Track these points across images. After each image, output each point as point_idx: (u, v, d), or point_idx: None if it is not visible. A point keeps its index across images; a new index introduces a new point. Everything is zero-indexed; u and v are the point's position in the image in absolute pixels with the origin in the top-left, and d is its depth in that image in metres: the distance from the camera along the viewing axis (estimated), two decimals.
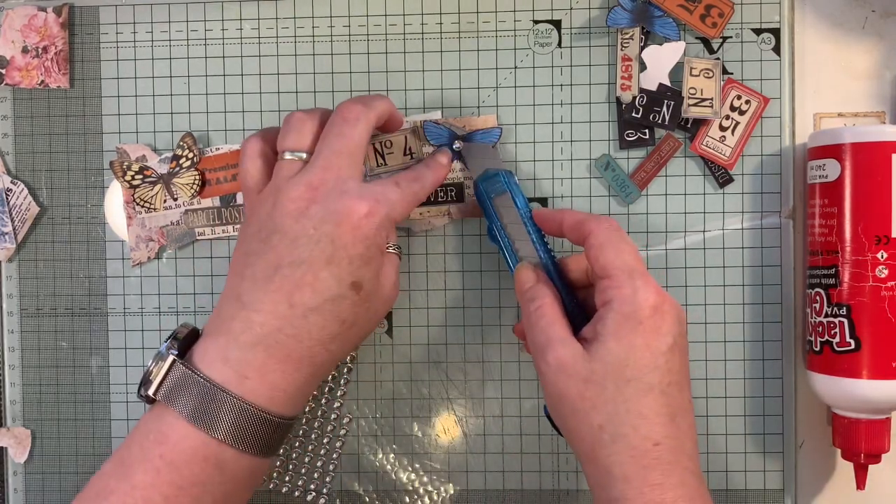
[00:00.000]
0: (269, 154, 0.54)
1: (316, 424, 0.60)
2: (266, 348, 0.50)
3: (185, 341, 0.52)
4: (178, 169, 0.60)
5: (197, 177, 0.60)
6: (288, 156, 0.52)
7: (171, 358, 0.50)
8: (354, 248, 0.50)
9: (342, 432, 0.61)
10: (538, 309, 0.51)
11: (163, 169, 0.60)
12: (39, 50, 0.61)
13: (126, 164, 0.60)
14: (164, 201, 0.60)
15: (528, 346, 0.53)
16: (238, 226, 0.60)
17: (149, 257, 0.61)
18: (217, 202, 0.60)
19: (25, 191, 0.62)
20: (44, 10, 0.61)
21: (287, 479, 0.61)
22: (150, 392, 0.50)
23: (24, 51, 0.61)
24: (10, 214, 0.61)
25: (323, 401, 0.61)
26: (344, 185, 0.50)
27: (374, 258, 0.51)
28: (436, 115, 0.60)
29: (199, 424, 0.49)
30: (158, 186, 0.60)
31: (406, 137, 0.60)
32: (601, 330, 0.48)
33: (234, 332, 0.50)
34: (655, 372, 0.48)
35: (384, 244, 0.52)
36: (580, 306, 0.53)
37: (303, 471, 0.61)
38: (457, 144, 0.59)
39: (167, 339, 0.52)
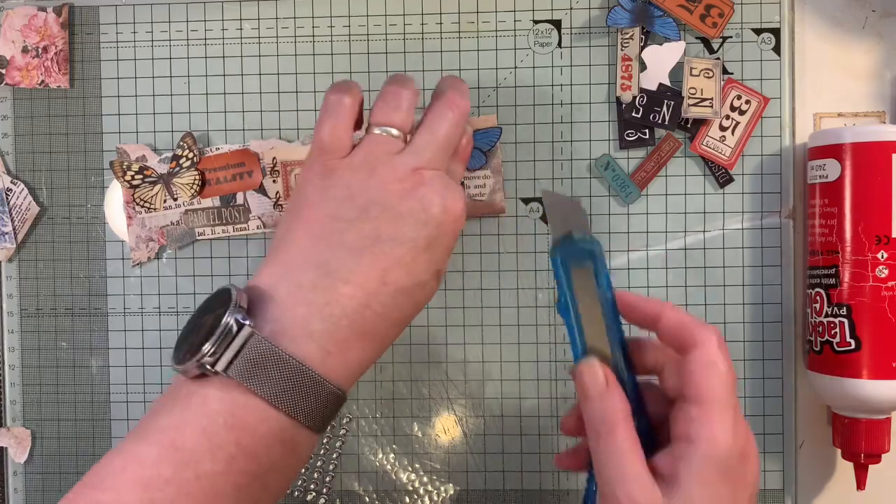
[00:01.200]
0: (356, 120, 0.51)
1: None
2: (351, 323, 0.46)
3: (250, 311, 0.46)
4: (178, 169, 0.60)
5: (197, 177, 0.60)
6: (379, 131, 0.49)
7: (248, 330, 0.44)
8: (451, 239, 0.48)
9: (342, 432, 0.61)
10: (611, 434, 0.43)
11: (163, 169, 0.60)
12: (39, 50, 0.61)
13: (126, 164, 0.60)
14: (164, 201, 0.60)
15: (583, 449, 0.47)
16: (238, 225, 0.60)
17: (149, 257, 0.61)
18: (217, 202, 0.60)
19: (25, 191, 0.62)
20: (44, 10, 0.61)
21: None
22: (220, 368, 0.44)
23: (24, 51, 0.61)
24: (10, 214, 0.62)
25: None
26: (447, 179, 0.49)
27: (451, 249, 0.49)
28: None
29: (282, 407, 0.44)
30: (158, 186, 0.60)
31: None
32: (684, 472, 0.42)
33: (317, 302, 0.46)
34: None
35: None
36: (644, 403, 0.46)
37: (303, 471, 0.61)
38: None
39: (228, 307, 0.45)
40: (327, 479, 0.61)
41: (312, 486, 0.60)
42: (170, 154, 0.60)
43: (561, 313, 0.46)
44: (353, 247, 0.47)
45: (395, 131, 0.49)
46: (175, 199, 0.60)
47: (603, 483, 0.43)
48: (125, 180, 0.60)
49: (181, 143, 0.60)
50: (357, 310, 0.46)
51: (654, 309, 0.45)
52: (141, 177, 0.60)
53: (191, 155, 0.60)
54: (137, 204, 0.60)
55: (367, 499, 0.61)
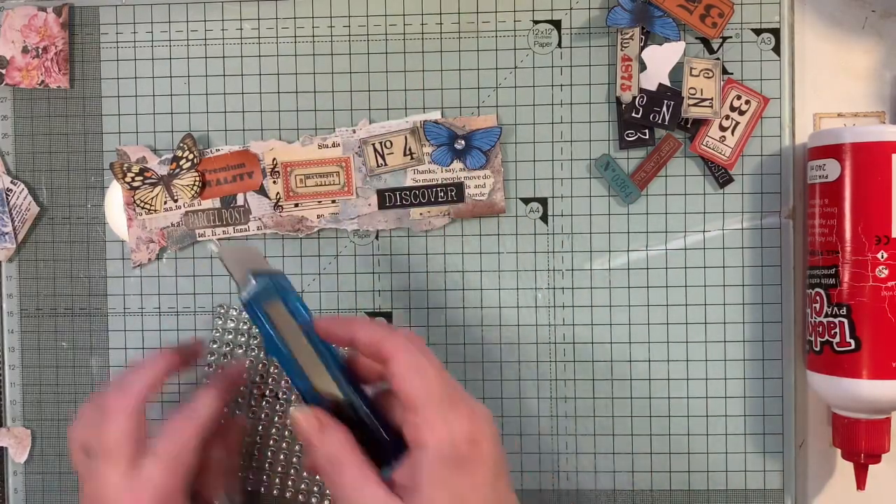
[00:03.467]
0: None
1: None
2: None
3: None
4: (178, 170, 0.60)
5: (197, 178, 0.60)
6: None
7: None
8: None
9: None
10: (339, 471, 0.45)
11: (163, 170, 0.60)
12: (39, 50, 0.61)
13: (126, 165, 0.60)
14: (165, 203, 0.60)
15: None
16: (239, 227, 0.60)
17: (149, 258, 0.61)
18: (217, 203, 0.60)
19: (25, 191, 0.62)
20: (44, 10, 0.61)
21: (289, 483, 0.61)
22: None
23: (24, 51, 0.61)
24: (10, 214, 0.61)
25: None
26: (103, 489, 0.49)
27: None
28: (436, 115, 0.60)
29: None
30: (159, 188, 0.60)
31: (406, 138, 0.60)
32: (418, 478, 0.43)
33: None
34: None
35: None
36: (380, 415, 0.48)
37: (304, 474, 0.61)
38: (458, 144, 0.59)
39: None
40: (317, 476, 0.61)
41: (316, 490, 0.61)
42: (170, 155, 0.60)
43: (272, 354, 0.48)
44: None
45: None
46: (175, 201, 0.60)
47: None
48: (125, 182, 0.60)
49: (181, 145, 0.60)
50: None
51: (347, 331, 0.47)
52: (141, 178, 0.60)
53: (191, 156, 0.60)
54: (138, 205, 0.60)
55: None
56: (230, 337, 0.61)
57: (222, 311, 0.61)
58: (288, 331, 0.47)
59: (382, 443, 0.46)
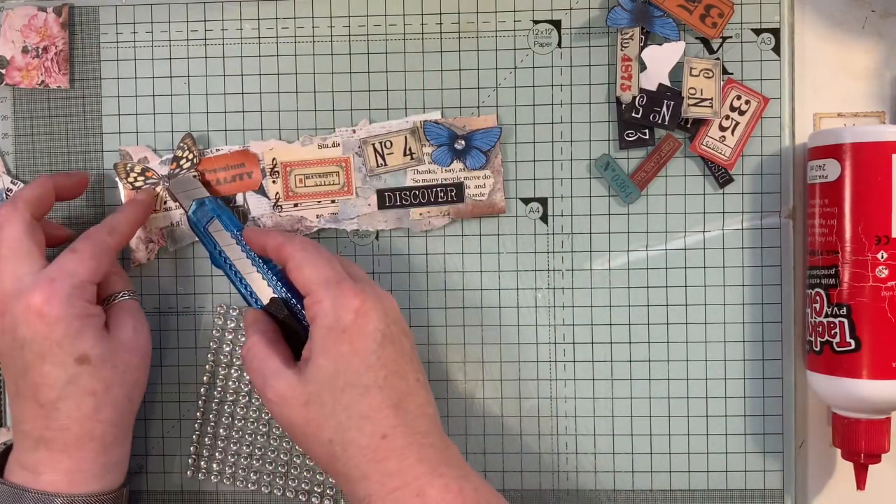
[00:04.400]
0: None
1: None
2: (45, 445, 0.52)
3: (2, 457, 0.55)
4: (178, 170, 0.60)
5: (197, 178, 0.60)
6: None
7: None
8: (54, 333, 0.51)
9: None
10: (249, 350, 0.52)
11: (164, 170, 0.60)
12: (39, 50, 0.61)
13: (129, 165, 0.60)
14: (165, 202, 0.60)
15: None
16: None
17: (149, 258, 0.61)
18: None
19: None
20: (44, 10, 0.61)
21: (290, 483, 0.61)
22: None
23: (24, 51, 0.61)
24: None
25: None
26: (18, 282, 0.52)
27: (81, 329, 0.52)
28: (436, 116, 0.60)
29: None
30: (159, 188, 0.60)
31: (406, 138, 0.60)
32: (311, 349, 0.50)
33: (18, 443, 0.54)
34: (369, 372, 0.49)
35: (85, 312, 0.53)
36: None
37: (304, 474, 0.61)
38: (458, 144, 0.59)
39: None
40: (329, 479, 0.61)
41: (318, 490, 0.61)
42: (170, 155, 0.60)
43: (216, 265, 0.57)
44: (12, 392, 0.54)
45: None
46: (175, 200, 0.60)
47: (258, 392, 0.52)
48: (128, 182, 0.60)
49: (181, 145, 0.60)
50: (41, 435, 0.52)
51: (262, 238, 0.54)
52: (143, 178, 0.60)
53: (191, 156, 0.60)
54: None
55: None
56: (230, 337, 0.61)
57: (222, 311, 0.61)
58: (225, 242, 0.56)
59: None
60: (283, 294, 0.55)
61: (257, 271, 0.56)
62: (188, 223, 0.58)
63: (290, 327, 0.55)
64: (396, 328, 0.51)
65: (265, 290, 0.55)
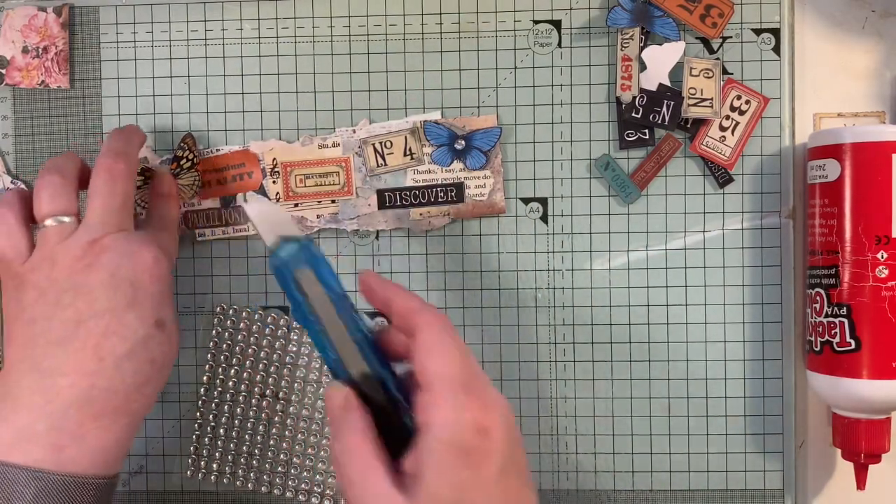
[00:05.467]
0: (27, 221, 0.52)
1: (314, 427, 0.60)
2: (79, 408, 0.48)
3: None
4: (178, 170, 0.60)
5: (197, 178, 0.60)
6: (51, 222, 0.51)
7: None
8: (153, 287, 0.51)
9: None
10: (347, 455, 0.44)
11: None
12: (39, 50, 0.61)
13: None
14: None
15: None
16: (239, 227, 0.60)
17: None
18: (217, 203, 0.60)
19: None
20: (44, 10, 0.61)
21: (290, 482, 0.61)
22: None
23: (25, 51, 0.61)
24: None
25: (319, 403, 0.61)
26: (128, 236, 0.51)
27: (169, 297, 0.52)
28: (435, 116, 0.60)
29: None
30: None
31: (406, 138, 0.60)
32: (422, 464, 0.42)
33: (35, 405, 0.47)
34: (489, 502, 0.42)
35: (172, 285, 0.53)
36: (408, 396, 0.45)
37: (304, 474, 0.61)
38: (458, 144, 0.59)
39: None
40: (329, 479, 0.61)
41: (318, 490, 0.61)
42: (170, 155, 0.60)
43: (300, 323, 0.46)
44: (59, 339, 0.48)
45: (64, 218, 0.51)
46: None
47: (351, 497, 0.43)
48: None
49: (181, 145, 0.60)
50: (82, 394, 0.48)
51: (386, 293, 0.46)
52: (142, 178, 0.60)
53: (191, 156, 0.60)
54: (139, 205, 0.60)
55: None
56: (230, 337, 0.61)
57: (221, 311, 0.61)
58: (318, 300, 0.45)
59: (407, 426, 0.44)
60: (380, 369, 0.46)
61: (350, 336, 0.45)
62: (270, 264, 0.46)
63: (379, 407, 0.46)
64: (516, 445, 0.44)
65: (356, 360, 0.46)
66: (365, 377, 0.45)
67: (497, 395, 0.44)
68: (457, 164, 0.59)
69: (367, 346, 0.45)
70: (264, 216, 0.47)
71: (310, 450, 0.61)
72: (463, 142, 0.59)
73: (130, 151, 0.54)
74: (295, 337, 0.60)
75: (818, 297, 0.56)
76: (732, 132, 0.59)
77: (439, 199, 0.60)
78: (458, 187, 0.60)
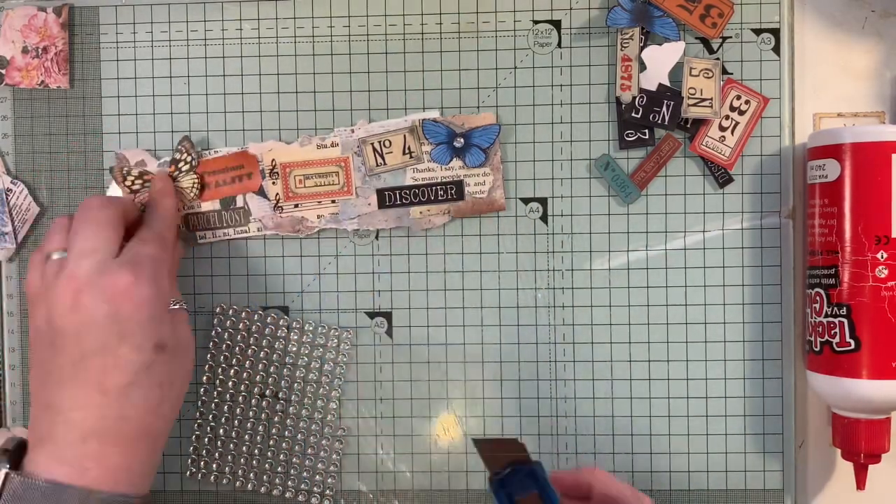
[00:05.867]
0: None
1: (314, 427, 0.60)
2: (98, 438, 0.50)
3: (16, 453, 0.51)
4: (177, 173, 0.59)
5: (196, 180, 0.60)
6: (55, 256, 0.53)
7: (2, 471, 0.49)
8: (140, 314, 0.51)
9: (339, 432, 0.61)
10: None
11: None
12: (39, 50, 0.61)
13: (126, 169, 0.60)
14: None
15: None
16: (239, 228, 0.60)
17: None
18: (217, 205, 0.60)
19: (25, 191, 0.62)
20: (44, 10, 0.61)
21: (290, 482, 0.61)
22: None
23: (24, 51, 0.61)
24: (10, 214, 0.62)
25: (319, 403, 0.61)
26: (102, 265, 0.51)
27: (162, 316, 0.52)
28: (434, 115, 0.60)
29: None
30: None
31: (405, 136, 0.60)
32: None
33: (58, 437, 0.50)
34: None
35: (167, 300, 0.53)
36: None
37: (304, 474, 0.61)
38: (457, 142, 0.59)
39: None
40: (329, 479, 0.61)
41: (317, 490, 0.61)
42: (169, 157, 0.60)
43: None
44: (61, 379, 0.50)
45: (55, 255, 0.52)
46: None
47: None
48: (125, 185, 0.60)
49: (179, 147, 0.60)
50: (96, 425, 0.50)
51: (584, 480, 0.49)
52: (141, 182, 0.60)
53: (189, 158, 0.60)
54: (138, 209, 0.60)
55: (368, 498, 0.61)
56: (230, 337, 0.61)
57: (221, 311, 0.61)
58: None
59: None
60: None
61: None
62: (489, 486, 0.48)
63: None
64: None
65: None
66: None
67: None
68: (456, 162, 0.59)
69: None
70: (489, 448, 0.49)
71: (310, 450, 0.61)
72: (462, 139, 0.59)
73: (120, 206, 0.55)
74: (295, 337, 0.60)
75: (818, 297, 0.56)
76: (732, 132, 0.58)
77: (439, 198, 0.60)
78: (458, 185, 0.60)
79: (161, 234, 0.55)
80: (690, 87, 0.58)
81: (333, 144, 0.60)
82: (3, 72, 0.61)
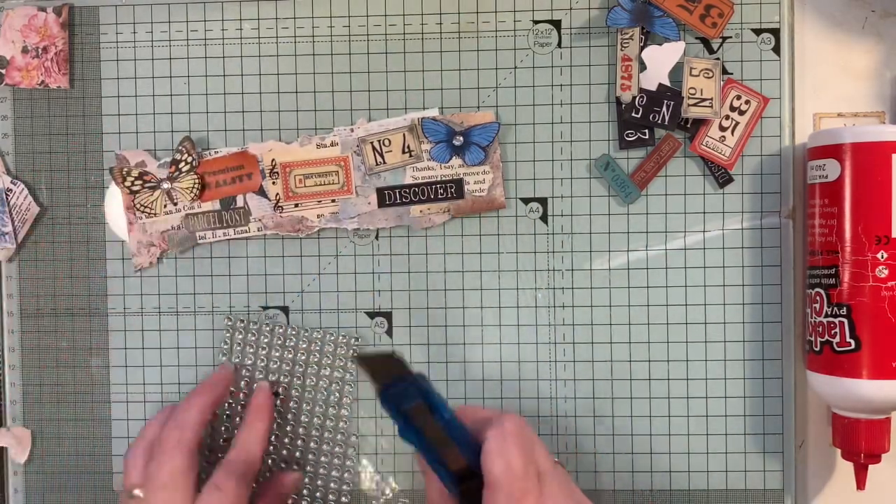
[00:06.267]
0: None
1: (314, 426, 0.60)
2: None
3: None
4: (177, 173, 0.60)
5: (196, 180, 0.60)
6: (136, 492, 0.54)
7: None
8: None
9: (352, 438, 0.61)
10: None
11: (162, 174, 0.60)
12: (39, 50, 0.61)
13: (126, 170, 0.60)
14: (165, 206, 0.60)
15: None
16: (239, 228, 0.60)
17: (150, 262, 0.61)
18: (217, 205, 0.60)
19: (25, 191, 0.62)
20: (44, 10, 0.61)
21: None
22: None
23: (24, 51, 0.61)
24: (10, 214, 0.62)
25: (319, 403, 0.61)
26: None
27: None
28: (433, 113, 0.60)
29: None
30: (158, 191, 0.60)
31: (404, 135, 0.60)
32: None
33: None
34: None
35: None
36: None
37: (304, 479, 0.61)
38: (456, 140, 0.59)
39: None
40: (331, 484, 0.61)
41: (307, 481, 0.61)
42: (169, 158, 0.60)
43: (406, 439, 0.49)
44: None
45: (136, 491, 0.54)
46: (175, 204, 0.60)
47: None
48: (125, 186, 0.60)
49: (179, 148, 0.60)
50: None
51: (465, 414, 0.50)
52: (140, 182, 0.60)
53: (189, 159, 0.60)
54: (138, 209, 0.60)
55: (368, 498, 0.61)
56: (239, 348, 0.61)
57: (230, 323, 0.61)
58: (428, 428, 0.48)
59: None
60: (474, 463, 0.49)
61: (457, 448, 0.49)
62: (380, 401, 0.49)
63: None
64: None
65: (458, 459, 0.49)
66: (469, 471, 0.48)
67: (556, 490, 0.49)
68: (456, 161, 0.59)
69: (469, 448, 0.49)
70: (371, 364, 0.49)
71: (310, 450, 0.61)
72: (461, 138, 0.59)
73: (187, 420, 0.55)
74: (295, 336, 0.60)
75: (818, 297, 0.56)
76: (732, 132, 0.58)
77: (439, 196, 0.60)
78: (458, 183, 0.60)
79: (243, 475, 0.55)
80: (690, 87, 0.58)
81: (333, 144, 0.60)
82: (3, 72, 0.61)
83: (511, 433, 0.48)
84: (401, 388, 0.49)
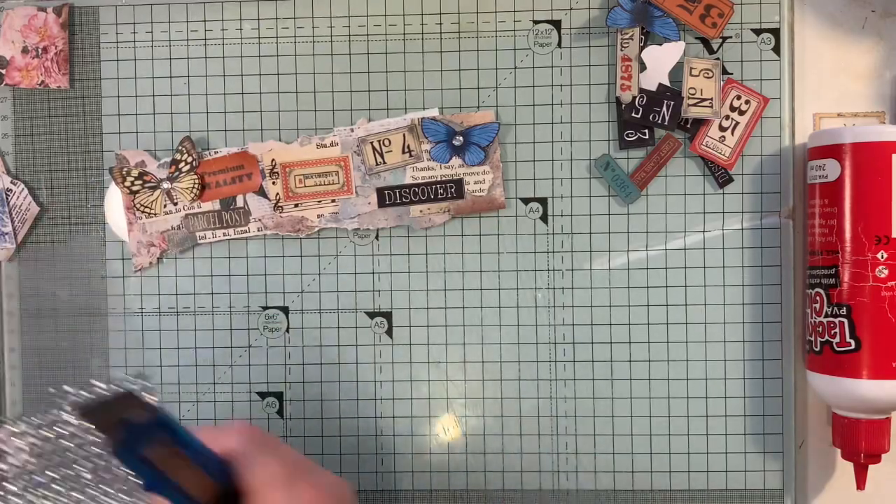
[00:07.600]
0: None
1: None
2: None
3: None
4: (177, 173, 0.60)
5: (196, 180, 0.60)
6: None
7: None
8: None
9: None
10: None
11: (162, 174, 0.60)
12: (39, 50, 0.61)
13: (126, 170, 0.60)
14: (165, 206, 0.60)
15: None
16: (239, 228, 0.60)
17: (150, 262, 0.61)
18: (217, 205, 0.60)
19: (25, 191, 0.62)
20: (44, 10, 0.61)
21: None
22: None
23: (24, 51, 0.61)
24: (10, 214, 0.62)
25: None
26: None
27: None
28: (433, 113, 0.60)
29: None
30: (158, 191, 0.60)
31: (404, 135, 0.60)
32: None
33: None
34: None
35: None
36: None
37: None
38: (456, 140, 0.59)
39: None
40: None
41: None
42: (169, 158, 0.60)
43: (155, 492, 0.42)
44: None
45: None
46: (175, 204, 0.60)
47: None
48: (125, 186, 0.60)
49: (179, 148, 0.60)
50: None
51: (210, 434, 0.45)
52: (140, 182, 0.60)
53: (189, 159, 0.60)
54: (138, 209, 0.60)
55: (368, 498, 0.61)
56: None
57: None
58: (172, 462, 0.42)
59: None
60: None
61: (201, 470, 0.43)
62: (117, 457, 0.42)
63: None
64: None
65: (205, 486, 0.43)
66: (215, 492, 0.44)
67: (325, 479, 0.46)
68: (456, 161, 0.59)
69: (216, 468, 0.44)
70: (94, 412, 0.42)
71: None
72: (461, 138, 0.59)
73: None
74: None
75: (818, 297, 0.56)
76: (732, 132, 0.58)
77: (439, 196, 0.60)
78: (458, 183, 0.60)
79: None
80: (690, 87, 0.58)
81: (333, 144, 0.60)
82: (3, 72, 0.61)
83: (255, 437, 0.45)
84: (136, 432, 0.41)
